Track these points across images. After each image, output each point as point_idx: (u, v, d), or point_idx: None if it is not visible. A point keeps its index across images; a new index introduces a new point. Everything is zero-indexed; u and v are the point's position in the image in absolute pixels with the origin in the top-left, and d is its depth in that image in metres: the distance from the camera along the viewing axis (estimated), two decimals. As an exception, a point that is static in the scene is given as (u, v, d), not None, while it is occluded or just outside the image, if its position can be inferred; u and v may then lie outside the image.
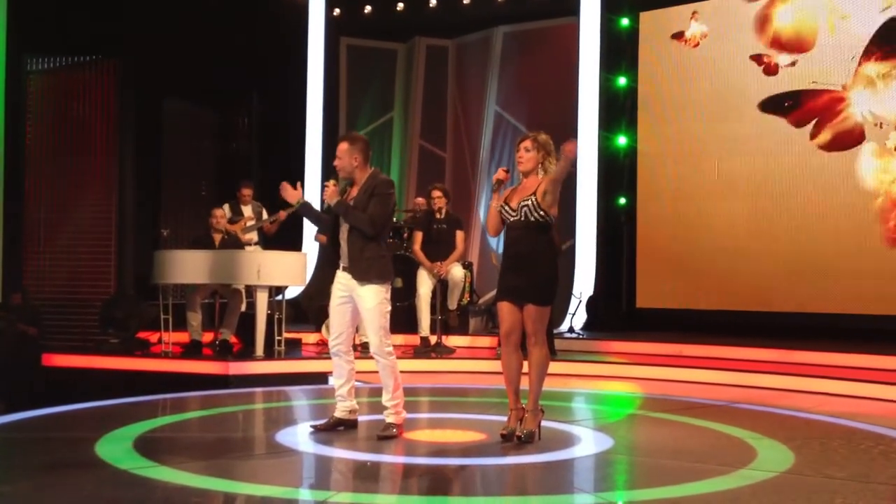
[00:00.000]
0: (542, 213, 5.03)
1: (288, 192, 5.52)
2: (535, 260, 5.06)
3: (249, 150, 13.00)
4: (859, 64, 9.71)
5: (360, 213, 5.26)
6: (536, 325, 5.06)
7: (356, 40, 13.56)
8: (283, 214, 9.39)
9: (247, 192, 9.68)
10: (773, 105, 10.30)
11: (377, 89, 13.66)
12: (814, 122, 10.03)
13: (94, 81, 11.35)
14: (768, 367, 8.30)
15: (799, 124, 10.11)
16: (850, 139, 9.80)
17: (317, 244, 10.56)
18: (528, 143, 5.15)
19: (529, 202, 5.04)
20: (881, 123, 9.59)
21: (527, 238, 5.07)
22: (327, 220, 5.56)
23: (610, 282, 11.26)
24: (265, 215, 9.62)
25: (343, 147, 5.37)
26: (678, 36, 10.96)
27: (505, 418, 5.21)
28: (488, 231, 5.40)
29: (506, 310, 5.13)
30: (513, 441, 5.03)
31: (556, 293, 5.20)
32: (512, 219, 5.10)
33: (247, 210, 9.66)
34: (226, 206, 9.63)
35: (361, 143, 5.43)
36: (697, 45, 10.81)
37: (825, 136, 9.95)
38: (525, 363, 5.17)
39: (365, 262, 5.25)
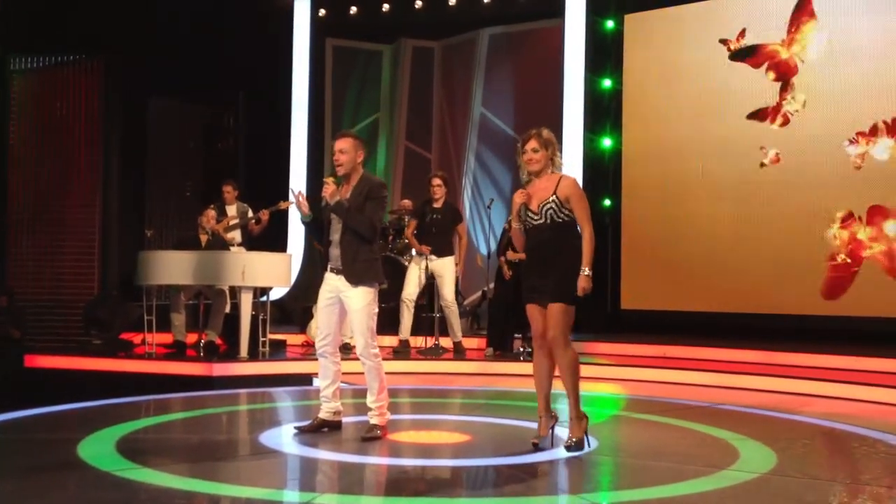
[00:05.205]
0: (566, 212, 4.93)
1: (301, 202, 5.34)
2: (562, 259, 4.93)
3: (235, 150, 12.96)
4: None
5: (361, 216, 5.21)
6: (558, 326, 4.92)
7: (342, 41, 13.54)
8: (265, 214, 9.33)
9: (227, 189, 9.55)
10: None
11: (363, 90, 13.64)
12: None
13: (79, 81, 11.29)
14: (752, 369, 8.34)
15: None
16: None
17: (302, 244, 10.51)
18: (534, 143, 4.97)
19: (553, 203, 4.91)
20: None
21: (553, 238, 4.94)
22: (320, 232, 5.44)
23: (594, 283, 11.13)
24: (251, 215, 9.55)
25: (349, 142, 5.32)
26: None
27: (493, 419, 5.17)
28: (518, 249, 5.22)
29: (534, 312, 5.01)
30: (548, 449, 4.91)
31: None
32: (536, 222, 4.95)
33: (231, 209, 9.53)
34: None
35: (363, 142, 5.45)
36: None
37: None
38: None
39: (360, 266, 5.22)
